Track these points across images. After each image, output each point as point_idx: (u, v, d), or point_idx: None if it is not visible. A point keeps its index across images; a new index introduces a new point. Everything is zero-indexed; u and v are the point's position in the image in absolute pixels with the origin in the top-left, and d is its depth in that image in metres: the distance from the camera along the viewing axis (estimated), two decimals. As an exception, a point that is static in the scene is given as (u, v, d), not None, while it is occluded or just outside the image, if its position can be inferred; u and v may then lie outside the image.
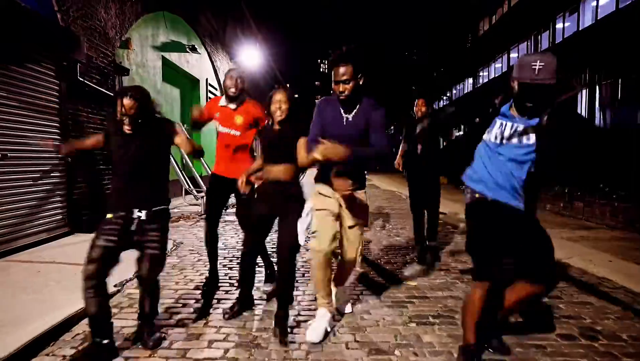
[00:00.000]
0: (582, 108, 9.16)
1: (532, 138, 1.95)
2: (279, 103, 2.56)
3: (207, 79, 11.96)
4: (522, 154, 1.97)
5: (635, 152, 6.39)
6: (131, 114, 2.21)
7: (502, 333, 2.41)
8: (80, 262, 3.72)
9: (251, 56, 14.41)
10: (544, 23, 16.08)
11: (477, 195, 2.10)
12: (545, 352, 2.36)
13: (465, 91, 25.64)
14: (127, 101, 2.19)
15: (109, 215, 2.27)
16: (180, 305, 3.06)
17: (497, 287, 2.17)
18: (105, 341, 2.21)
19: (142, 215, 2.26)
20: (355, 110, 2.42)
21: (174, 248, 4.79)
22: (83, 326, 2.62)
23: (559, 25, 15.34)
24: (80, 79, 5.30)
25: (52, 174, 4.83)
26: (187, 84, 11.17)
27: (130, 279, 3.41)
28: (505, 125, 2.03)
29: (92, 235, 2.24)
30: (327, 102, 2.51)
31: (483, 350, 2.28)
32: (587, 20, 13.44)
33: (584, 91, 9.18)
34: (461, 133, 18.34)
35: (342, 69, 2.31)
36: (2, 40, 4.06)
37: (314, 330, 2.49)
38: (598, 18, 12.56)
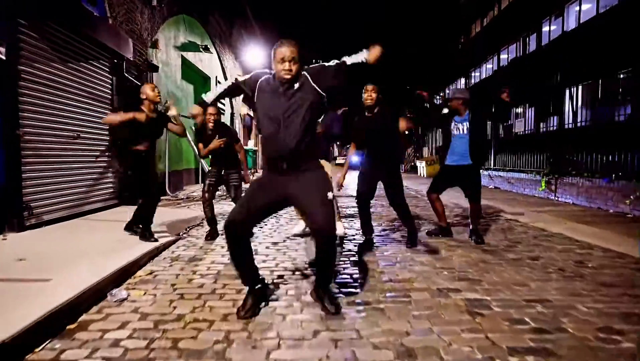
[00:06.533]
0: (569, 107, 10.18)
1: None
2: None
3: (216, 77, 12.90)
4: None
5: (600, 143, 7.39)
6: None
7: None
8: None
9: (254, 55, 15.42)
10: (531, 26, 17.15)
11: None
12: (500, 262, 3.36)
13: (458, 91, 26.67)
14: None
15: None
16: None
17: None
18: None
19: None
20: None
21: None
22: (168, 252, 3.65)
23: (545, 29, 16.44)
24: (126, 74, 6.24)
25: (106, 154, 5.75)
26: (199, 81, 12.09)
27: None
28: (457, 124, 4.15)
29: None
30: None
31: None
32: (571, 23, 14.48)
33: (568, 90, 10.16)
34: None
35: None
36: (75, 41, 4.99)
37: (298, 228, 4.49)
38: (581, 22, 13.59)
